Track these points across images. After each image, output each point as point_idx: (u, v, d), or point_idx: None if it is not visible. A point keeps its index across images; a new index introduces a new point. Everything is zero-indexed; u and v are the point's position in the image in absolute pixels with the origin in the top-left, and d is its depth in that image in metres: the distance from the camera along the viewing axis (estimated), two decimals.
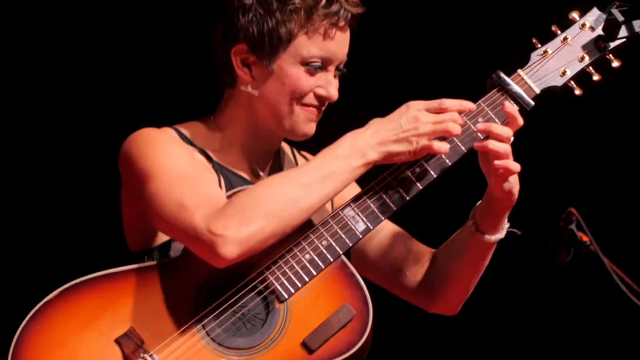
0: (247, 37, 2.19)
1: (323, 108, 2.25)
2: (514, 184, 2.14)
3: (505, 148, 2.08)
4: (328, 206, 2.27)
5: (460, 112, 2.10)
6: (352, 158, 2.04)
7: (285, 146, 2.44)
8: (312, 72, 2.19)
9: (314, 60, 2.19)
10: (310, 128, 2.24)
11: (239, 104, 2.27)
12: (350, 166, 2.04)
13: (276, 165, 2.38)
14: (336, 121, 2.25)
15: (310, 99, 2.21)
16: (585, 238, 2.60)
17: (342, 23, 2.19)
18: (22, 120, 3.61)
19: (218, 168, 2.24)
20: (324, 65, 2.20)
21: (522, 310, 4.15)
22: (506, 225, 2.23)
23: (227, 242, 1.94)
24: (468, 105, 2.11)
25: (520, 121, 2.12)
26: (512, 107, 2.12)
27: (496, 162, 2.08)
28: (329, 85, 2.21)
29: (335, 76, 2.24)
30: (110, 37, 3.67)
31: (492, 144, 2.07)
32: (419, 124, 2.04)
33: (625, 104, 3.88)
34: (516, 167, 2.09)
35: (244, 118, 2.27)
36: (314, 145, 2.30)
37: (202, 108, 2.36)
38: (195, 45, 2.59)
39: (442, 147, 2.06)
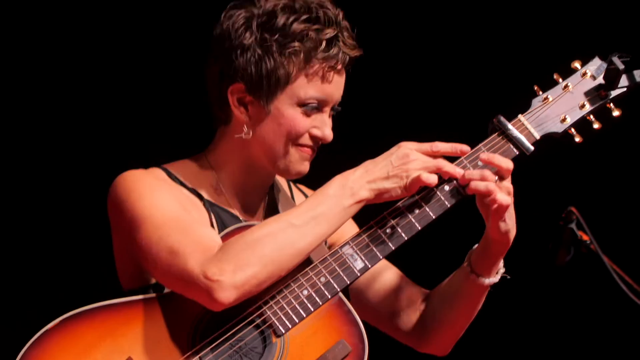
0: (244, 77, 2.19)
1: (317, 147, 2.26)
2: (510, 226, 2.15)
3: (493, 188, 2.07)
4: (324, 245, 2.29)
5: (454, 155, 2.12)
6: (342, 198, 2.06)
7: (280, 179, 2.45)
8: (308, 112, 2.20)
9: (311, 101, 2.19)
10: (304, 167, 2.25)
11: (232, 142, 2.27)
12: (342, 206, 2.06)
13: (271, 200, 2.39)
14: (334, 160, 2.27)
15: (305, 139, 2.22)
16: (585, 237, 2.60)
17: (339, 66, 2.20)
18: (15, 152, 3.64)
19: (209, 207, 2.24)
20: (319, 106, 2.21)
21: (522, 309, 4.14)
22: (501, 270, 2.25)
23: (223, 288, 1.95)
24: (461, 147, 2.13)
25: (510, 168, 2.12)
26: (501, 160, 2.11)
27: (485, 199, 2.09)
28: (324, 126, 2.22)
29: (329, 116, 2.25)
30: (102, 72, 3.68)
31: (482, 185, 2.08)
32: (409, 160, 2.06)
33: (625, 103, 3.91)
34: (505, 200, 2.08)
35: (237, 156, 2.28)
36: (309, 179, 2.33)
37: (193, 145, 2.37)
38: (188, 83, 2.59)
39: (431, 178, 2.06)
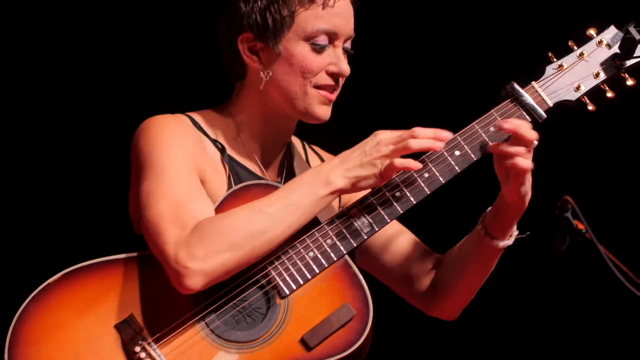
0: (250, 24, 2.19)
1: (338, 88, 2.24)
2: (528, 189, 2.13)
3: (517, 150, 2.06)
4: (335, 204, 2.28)
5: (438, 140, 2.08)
6: (317, 186, 2.05)
7: (295, 140, 2.44)
8: (319, 51, 2.19)
9: (319, 34, 2.18)
10: (324, 111, 2.23)
11: (251, 93, 2.26)
12: (316, 194, 2.04)
13: (286, 158, 2.38)
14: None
15: (322, 78, 2.20)
16: (580, 226, 2.59)
17: None
18: (32, 105, 3.60)
19: (228, 161, 2.23)
20: (331, 40, 2.20)
21: (518, 298, 4.14)
22: (515, 232, 2.23)
23: (191, 275, 1.95)
24: (444, 134, 2.09)
25: (530, 136, 2.08)
26: (513, 124, 2.09)
27: (507, 161, 2.08)
28: (339, 61, 2.21)
29: (343, 54, 2.23)
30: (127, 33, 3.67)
31: (504, 147, 2.07)
32: (381, 147, 2.05)
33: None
34: (526, 164, 2.07)
35: (256, 105, 2.26)
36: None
37: (215, 98, 2.36)
38: (205, 39, 2.58)
39: (405, 163, 2.04)
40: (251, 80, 2.25)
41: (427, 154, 2.11)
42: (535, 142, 2.09)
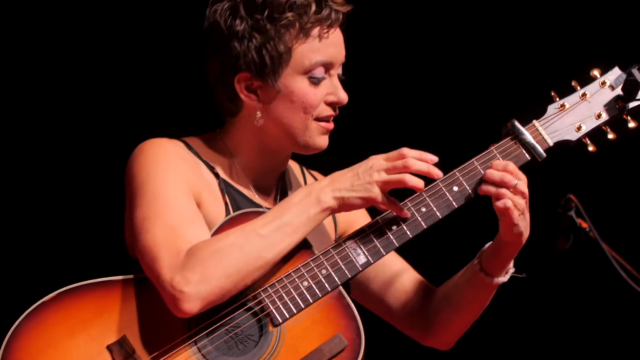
0: (247, 63, 2.18)
1: (335, 115, 2.26)
2: (523, 228, 2.15)
3: (504, 192, 2.09)
4: (331, 232, 2.31)
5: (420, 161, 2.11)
6: (308, 206, 2.07)
7: (294, 164, 2.46)
8: (316, 83, 2.20)
9: (316, 67, 2.19)
10: (324, 141, 2.25)
11: (246, 128, 2.27)
12: (307, 214, 2.07)
13: (283, 184, 2.39)
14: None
15: (322, 110, 2.22)
16: (584, 224, 2.57)
17: (334, 24, 2.20)
18: (31, 120, 3.65)
19: (224, 186, 2.24)
20: (327, 70, 2.21)
21: (520, 297, 4.13)
22: (511, 270, 2.25)
23: (187, 299, 1.97)
24: (429, 156, 2.11)
25: (513, 182, 2.11)
26: (494, 174, 2.11)
27: (497, 203, 2.10)
28: (337, 90, 2.23)
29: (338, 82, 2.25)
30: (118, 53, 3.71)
31: (490, 188, 2.10)
32: (374, 172, 2.07)
33: None
34: (520, 204, 2.10)
35: (253, 142, 2.27)
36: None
37: (207, 123, 2.38)
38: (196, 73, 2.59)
39: (400, 178, 2.06)
40: (247, 117, 2.25)
41: (426, 188, 2.12)
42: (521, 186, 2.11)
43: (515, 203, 2.09)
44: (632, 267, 2.58)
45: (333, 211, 2.10)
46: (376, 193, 2.07)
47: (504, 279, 2.24)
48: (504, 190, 2.09)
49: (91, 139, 3.64)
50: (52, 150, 3.63)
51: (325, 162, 2.42)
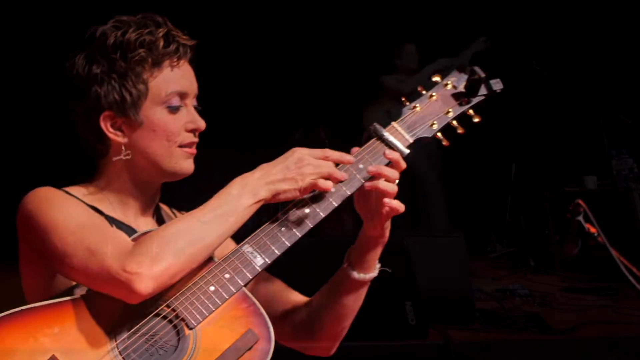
0: (109, 102, 2.34)
1: (196, 141, 2.43)
2: (389, 223, 2.39)
3: (393, 188, 2.32)
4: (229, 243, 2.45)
5: (340, 163, 2.33)
6: (244, 197, 2.23)
7: (163, 206, 2.62)
8: (174, 112, 2.38)
9: (172, 96, 2.37)
10: (190, 165, 2.43)
11: (117, 166, 2.42)
12: (243, 204, 2.23)
13: (159, 218, 2.57)
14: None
15: (184, 137, 2.39)
16: (592, 229, 2.60)
17: (183, 57, 2.41)
18: None
19: (111, 221, 2.37)
20: (182, 99, 2.40)
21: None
22: (377, 265, 2.46)
23: (142, 279, 2.07)
24: (347, 157, 2.34)
25: (403, 164, 2.35)
26: (393, 153, 2.35)
27: (385, 200, 2.32)
28: (194, 117, 2.42)
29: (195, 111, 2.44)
30: None
31: (383, 184, 2.32)
32: (303, 165, 2.27)
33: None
34: (401, 207, 2.33)
35: (124, 176, 2.43)
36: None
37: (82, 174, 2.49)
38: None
39: (327, 184, 2.27)
40: (116, 154, 2.39)
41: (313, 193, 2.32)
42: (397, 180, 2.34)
43: (398, 203, 2.33)
44: None
45: (266, 202, 2.25)
46: (306, 185, 2.25)
47: (374, 273, 2.45)
48: (391, 188, 2.30)
49: None
50: None
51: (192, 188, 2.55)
